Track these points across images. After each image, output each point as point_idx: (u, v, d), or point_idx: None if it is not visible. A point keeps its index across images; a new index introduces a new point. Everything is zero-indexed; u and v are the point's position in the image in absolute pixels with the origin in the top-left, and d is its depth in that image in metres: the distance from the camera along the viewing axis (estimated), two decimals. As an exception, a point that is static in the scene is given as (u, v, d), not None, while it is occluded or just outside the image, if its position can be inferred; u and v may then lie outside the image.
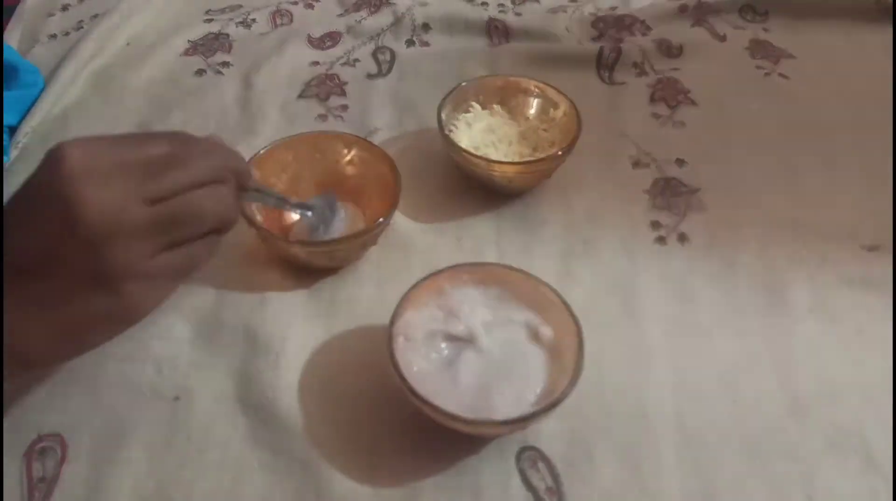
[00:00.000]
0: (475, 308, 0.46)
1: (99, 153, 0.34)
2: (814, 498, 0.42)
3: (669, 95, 0.69)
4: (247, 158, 0.50)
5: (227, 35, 0.77)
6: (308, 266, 0.53)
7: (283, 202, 0.49)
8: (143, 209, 0.34)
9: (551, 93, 0.61)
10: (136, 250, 0.34)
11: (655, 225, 0.57)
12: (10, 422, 0.44)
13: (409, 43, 0.76)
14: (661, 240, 0.56)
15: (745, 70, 0.73)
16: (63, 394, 0.46)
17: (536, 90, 0.62)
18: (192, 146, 0.37)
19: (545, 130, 0.61)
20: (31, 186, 0.35)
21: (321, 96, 0.69)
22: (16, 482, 0.42)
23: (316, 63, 0.73)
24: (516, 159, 0.58)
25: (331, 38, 0.77)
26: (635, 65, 0.73)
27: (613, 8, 0.81)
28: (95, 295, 0.35)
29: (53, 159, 0.33)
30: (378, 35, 0.77)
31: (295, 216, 0.53)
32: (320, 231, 0.51)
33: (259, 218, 0.50)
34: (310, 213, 0.51)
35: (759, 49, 0.76)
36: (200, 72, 0.72)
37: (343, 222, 0.53)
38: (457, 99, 0.61)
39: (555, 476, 0.43)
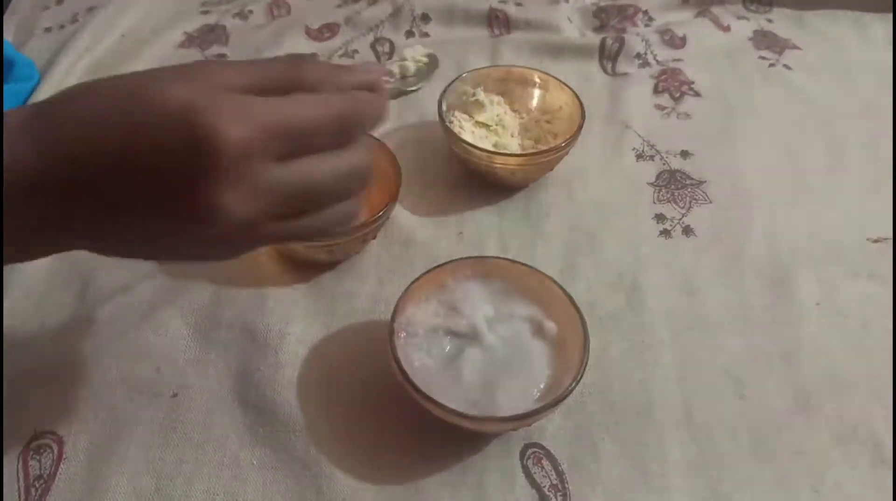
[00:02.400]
0: (478, 303, 0.45)
1: (263, 108, 0.28)
2: (822, 493, 0.42)
3: (673, 86, 0.69)
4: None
5: (224, 27, 0.76)
6: (307, 261, 0.52)
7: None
8: (278, 172, 0.28)
9: (553, 84, 0.60)
10: (249, 207, 0.28)
11: (660, 218, 0.57)
12: (7, 420, 0.43)
13: (409, 34, 0.75)
14: (665, 233, 0.55)
15: (749, 61, 0.72)
16: (60, 391, 0.45)
17: (538, 81, 0.61)
18: (362, 133, 0.32)
19: (548, 121, 0.60)
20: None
21: (320, 89, 0.68)
22: (12, 480, 0.41)
23: (314, 55, 0.72)
24: (518, 151, 0.57)
25: (329, 30, 0.76)
26: (638, 55, 0.72)
27: (615, -2, 0.81)
28: (184, 235, 0.29)
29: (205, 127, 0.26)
30: (377, 26, 0.76)
31: None
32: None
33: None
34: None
35: (764, 40, 0.75)
36: (197, 64, 0.71)
37: None
38: (457, 90, 0.60)
39: (559, 474, 0.42)
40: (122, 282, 0.51)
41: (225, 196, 0.27)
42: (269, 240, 0.32)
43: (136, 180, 0.28)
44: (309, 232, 0.32)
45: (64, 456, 0.42)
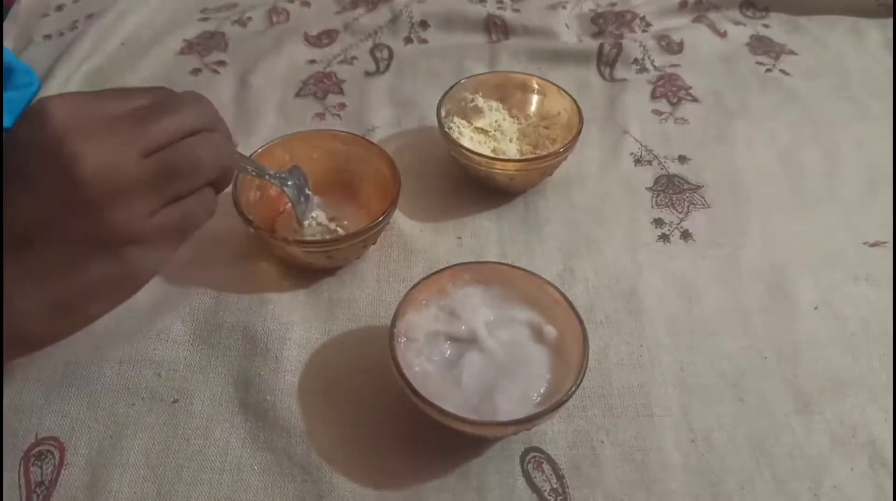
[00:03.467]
0: (477, 308, 0.45)
1: (84, 107, 0.32)
2: (820, 496, 0.42)
3: (671, 91, 0.69)
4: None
5: (223, 34, 0.77)
6: (307, 266, 0.52)
7: (261, 171, 0.47)
8: (140, 162, 0.32)
9: (552, 90, 0.61)
10: (135, 209, 0.32)
11: (658, 223, 0.57)
12: (8, 426, 0.44)
13: (408, 40, 0.76)
14: (664, 238, 0.56)
15: (746, 66, 0.73)
16: (61, 397, 0.45)
17: (537, 87, 0.62)
18: (176, 96, 0.35)
19: (546, 127, 0.60)
20: (16, 146, 0.32)
21: (318, 95, 0.69)
22: (13, 486, 0.41)
23: (313, 61, 0.73)
24: (517, 157, 0.58)
25: (328, 36, 0.76)
26: (636, 61, 0.72)
27: (613, 4, 0.81)
28: (95, 261, 0.33)
29: (38, 117, 0.31)
30: (376, 32, 0.76)
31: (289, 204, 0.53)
32: (302, 203, 0.50)
33: (257, 218, 0.50)
34: (290, 183, 0.49)
35: (760, 45, 0.76)
36: (196, 71, 0.72)
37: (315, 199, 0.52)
38: (456, 96, 0.60)
39: (560, 478, 0.42)
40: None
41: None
42: (161, 228, 0.34)
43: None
44: (190, 213, 0.35)
45: (65, 463, 0.42)
